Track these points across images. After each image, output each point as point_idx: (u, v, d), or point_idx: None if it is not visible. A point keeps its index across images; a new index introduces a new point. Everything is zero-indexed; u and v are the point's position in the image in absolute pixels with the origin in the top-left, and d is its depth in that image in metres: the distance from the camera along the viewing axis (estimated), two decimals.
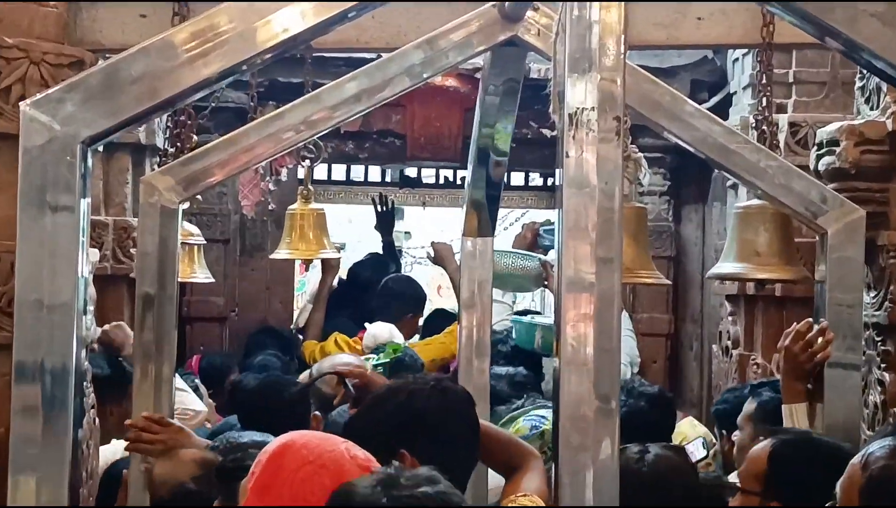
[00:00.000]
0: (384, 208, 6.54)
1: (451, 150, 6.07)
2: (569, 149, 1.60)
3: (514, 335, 5.14)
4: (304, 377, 4.14)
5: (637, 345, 5.88)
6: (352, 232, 10.72)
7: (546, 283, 5.35)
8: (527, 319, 4.99)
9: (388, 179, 6.85)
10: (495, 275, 4.91)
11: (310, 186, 4.01)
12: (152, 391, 2.93)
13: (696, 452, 3.92)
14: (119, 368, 3.75)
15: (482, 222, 3.40)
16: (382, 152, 6.25)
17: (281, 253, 4.09)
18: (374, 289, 5.90)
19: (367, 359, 4.47)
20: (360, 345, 5.25)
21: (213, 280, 4.43)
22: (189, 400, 3.77)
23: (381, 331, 5.13)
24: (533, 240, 5.90)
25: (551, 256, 5.40)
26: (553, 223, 5.81)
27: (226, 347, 6.05)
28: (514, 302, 5.80)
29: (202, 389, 4.40)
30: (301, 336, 5.91)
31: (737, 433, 3.53)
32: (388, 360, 4.46)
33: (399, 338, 5.11)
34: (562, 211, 1.61)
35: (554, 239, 5.89)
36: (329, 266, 5.92)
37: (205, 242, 4.25)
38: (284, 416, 3.25)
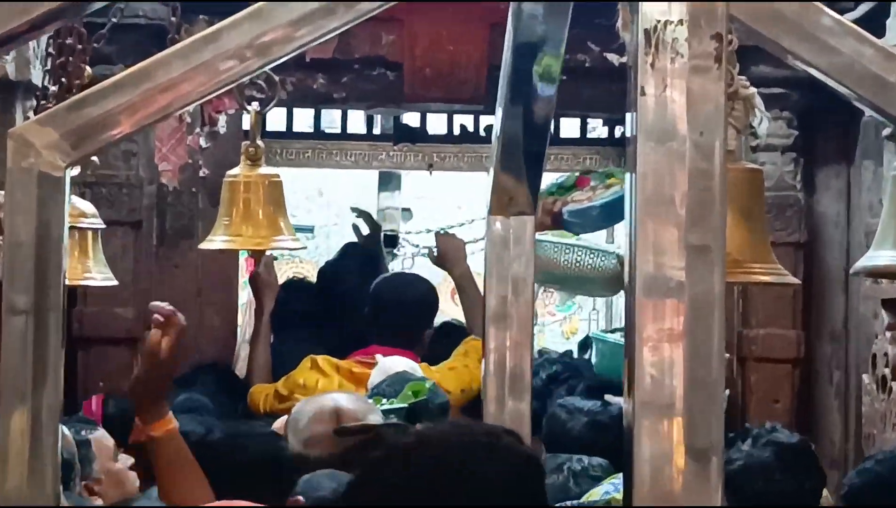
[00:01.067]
0: (368, 231, 6.65)
1: (471, 86, 6.07)
2: (645, 83, 1.60)
3: (594, 358, 5.17)
4: (278, 425, 4.14)
5: None
6: (324, 210, 10.76)
7: None
8: (613, 337, 5.01)
9: (377, 130, 6.87)
10: (557, 276, 4.92)
11: (259, 142, 4.01)
12: (27, 446, 2.93)
13: None
14: None
15: (518, 193, 3.40)
16: (368, 90, 6.26)
17: (215, 241, 4.09)
18: (357, 298, 5.90)
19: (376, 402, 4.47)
20: (358, 369, 5.28)
21: (115, 283, 4.44)
22: None
23: (395, 368, 5.11)
24: (553, 224, 5.79)
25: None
26: (586, 193, 5.81)
27: None
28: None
29: (95, 440, 4.37)
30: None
31: None
32: (404, 405, 4.46)
33: (419, 374, 5.10)
34: (634, 176, 1.61)
35: (585, 223, 5.96)
36: (263, 284, 5.95)
37: (104, 225, 4.26)
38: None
